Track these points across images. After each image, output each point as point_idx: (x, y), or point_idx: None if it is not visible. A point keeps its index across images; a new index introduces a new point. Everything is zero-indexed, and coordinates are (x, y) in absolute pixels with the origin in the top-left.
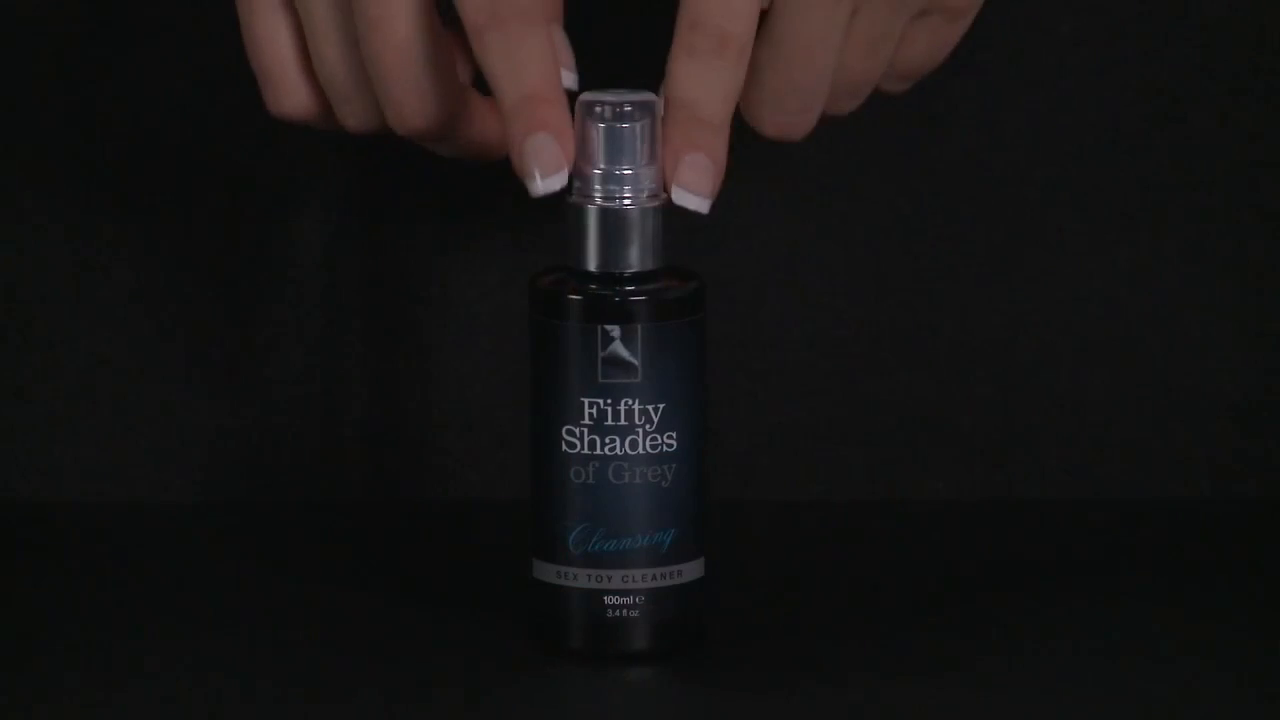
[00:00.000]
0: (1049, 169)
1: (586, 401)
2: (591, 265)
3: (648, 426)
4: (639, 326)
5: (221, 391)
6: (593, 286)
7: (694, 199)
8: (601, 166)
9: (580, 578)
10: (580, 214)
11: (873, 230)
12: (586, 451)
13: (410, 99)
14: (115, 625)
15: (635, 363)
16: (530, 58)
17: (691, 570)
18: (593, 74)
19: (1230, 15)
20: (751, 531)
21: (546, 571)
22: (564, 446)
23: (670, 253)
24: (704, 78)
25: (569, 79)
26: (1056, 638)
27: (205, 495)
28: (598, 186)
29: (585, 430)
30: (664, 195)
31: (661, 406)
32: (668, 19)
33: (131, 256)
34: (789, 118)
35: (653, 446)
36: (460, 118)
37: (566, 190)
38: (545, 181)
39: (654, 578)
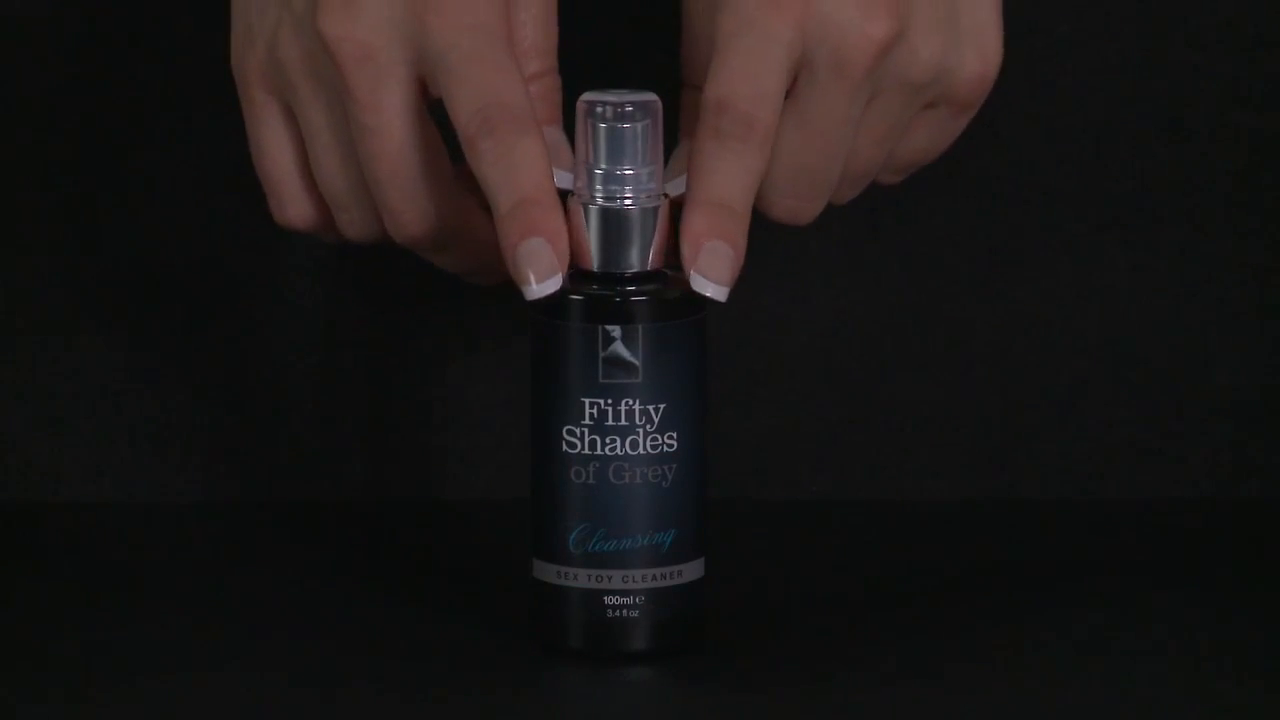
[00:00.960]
0: (1049, 169)
1: (587, 401)
2: (592, 265)
3: (648, 427)
4: (640, 327)
5: (221, 392)
6: (593, 287)
7: (713, 287)
8: (602, 167)
9: (580, 578)
10: (580, 214)
11: (873, 230)
12: (587, 451)
13: (407, 207)
14: (115, 625)
15: (636, 363)
16: (523, 163)
17: (691, 570)
18: (593, 74)
19: (1230, 15)
20: (751, 531)
21: (546, 571)
22: (564, 446)
23: (671, 253)
24: (729, 163)
25: (564, 179)
26: (1056, 638)
27: (205, 495)
28: (598, 187)
29: (586, 430)
30: (666, 197)
31: (662, 407)
32: (667, 19)
33: (132, 256)
34: (799, 203)
35: (653, 447)
36: (458, 227)
37: (568, 191)
38: (540, 286)
39: (654, 578)
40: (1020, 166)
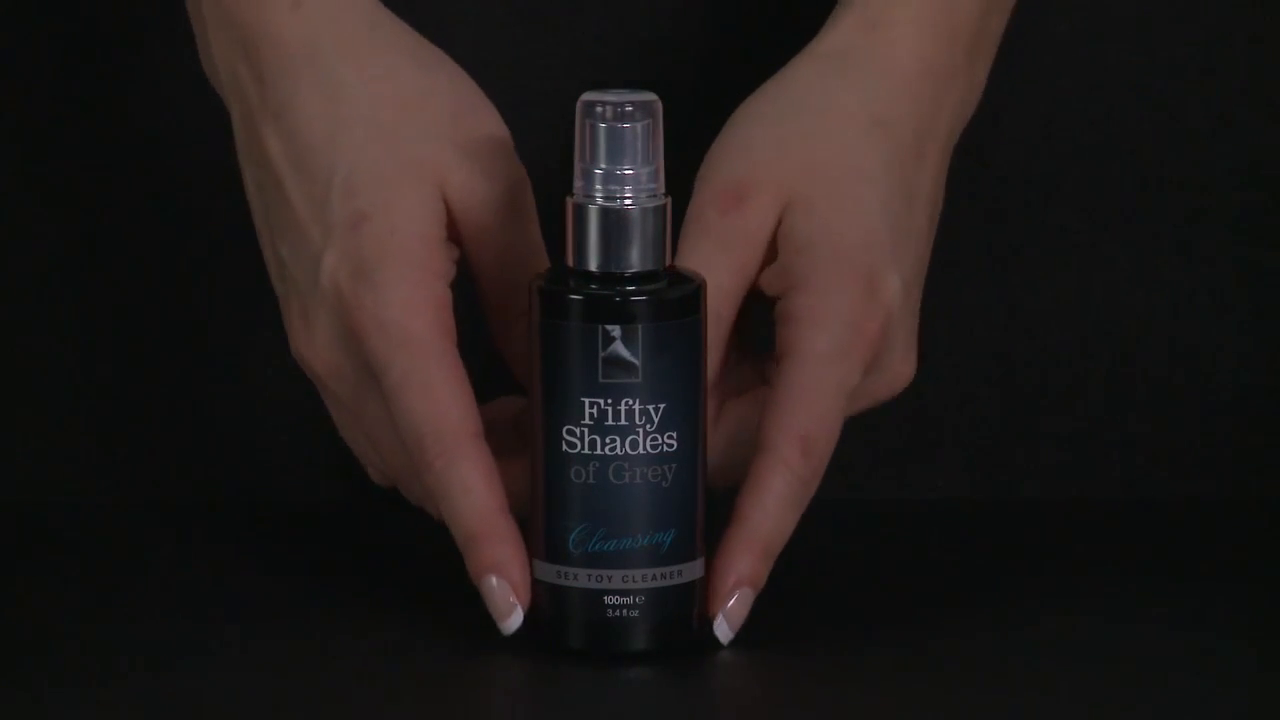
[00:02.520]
0: (1049, 169)
1: (587, 401)
2: (592, 265)
3: (648, 426)
4: (639, 326)
5: (221, 392)
6: (593, 286)
7: (728, 633)
8: (602, 166)
9: (580, 578)
10: (581, 214)
11: None
12: (587, 451)
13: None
14: (115, 625)
15: (636, 363)
16: (459, 496)
17: (691, 570)
18: (593, 74)
19: (1230, 15)
20: None
21: (546, 571)
22: (564, 446)
23: (671, 252)
24: (792, 509)
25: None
26: (1056, 637)
27: (204, 495)
28: (598, 186)
29: (586, 430)
30: (665, 198)
31: (662, 406)
32: (668, 20)
33: (131, 256)
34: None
35: (653, 446)
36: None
37: (568, 193)
38: (506, 625)
39: (654, 578)
40: (1020, 166)
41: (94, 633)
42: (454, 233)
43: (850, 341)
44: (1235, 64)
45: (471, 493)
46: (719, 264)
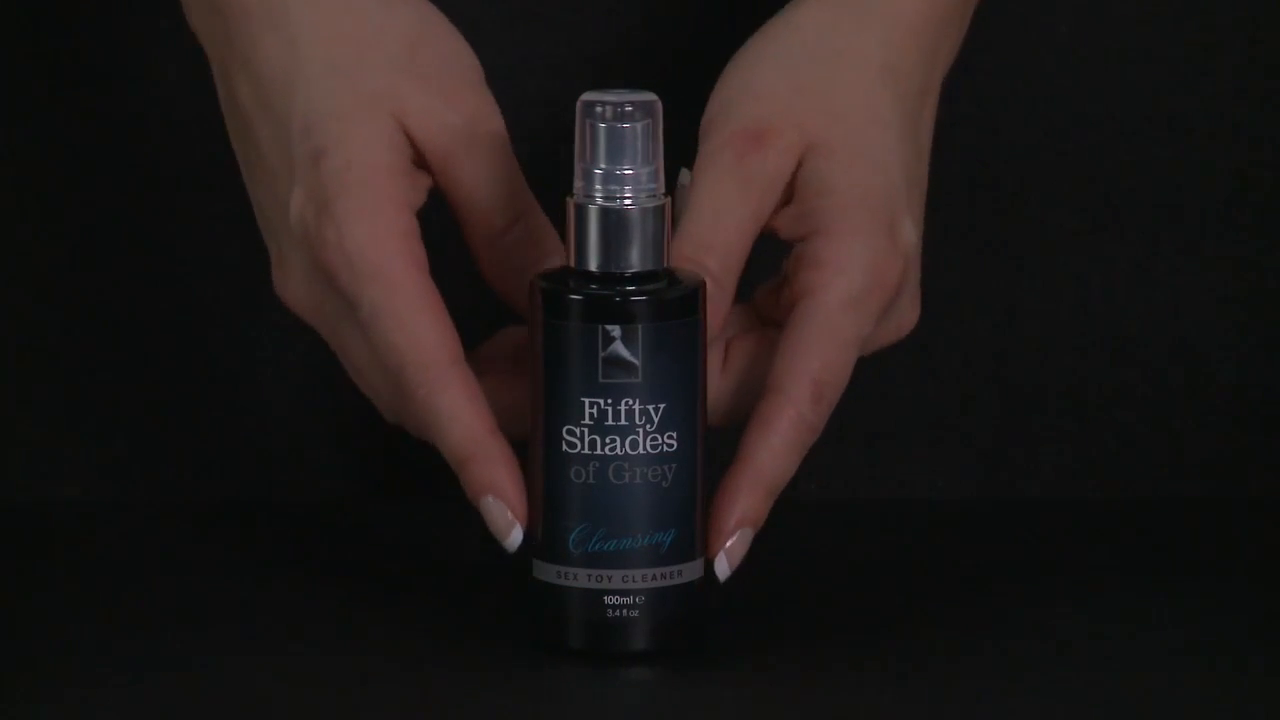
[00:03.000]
0: (1049, 169)
1: (587, 401)
2: (592, 265)
3: (648, 426)
4: (639, 326)
5: (221, 392)
6: (593, 286)
7: (727, 570)
8: (602, 166)
9: (580, 578)
10: (581, 214)
11: None
12: (587, 451)
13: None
14: (115, 625)
15: (636, 363)
16: (447, 422)
17: (691, 570)
18: (593, 74)
19: (1230, 15)
20: None
21: (546, 571)
22: (564, 446)
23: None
24: (796, 453)
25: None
26: (1056, 638)
27: (205, 495)
28: (598, 186)
29: (585, 430)
30: (665, 198)
31: (662, 406)
32: (668, 20)
33: (131, 256)
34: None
35: (653, 446)
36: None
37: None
38: (507, 543)
39: (654, 578)
40: (1020, 166)
41: (94, 633)
42: (421, 161)
43: (871, 287)
44: (1235, 64)
45: (458, 418)
46: (737, 205)
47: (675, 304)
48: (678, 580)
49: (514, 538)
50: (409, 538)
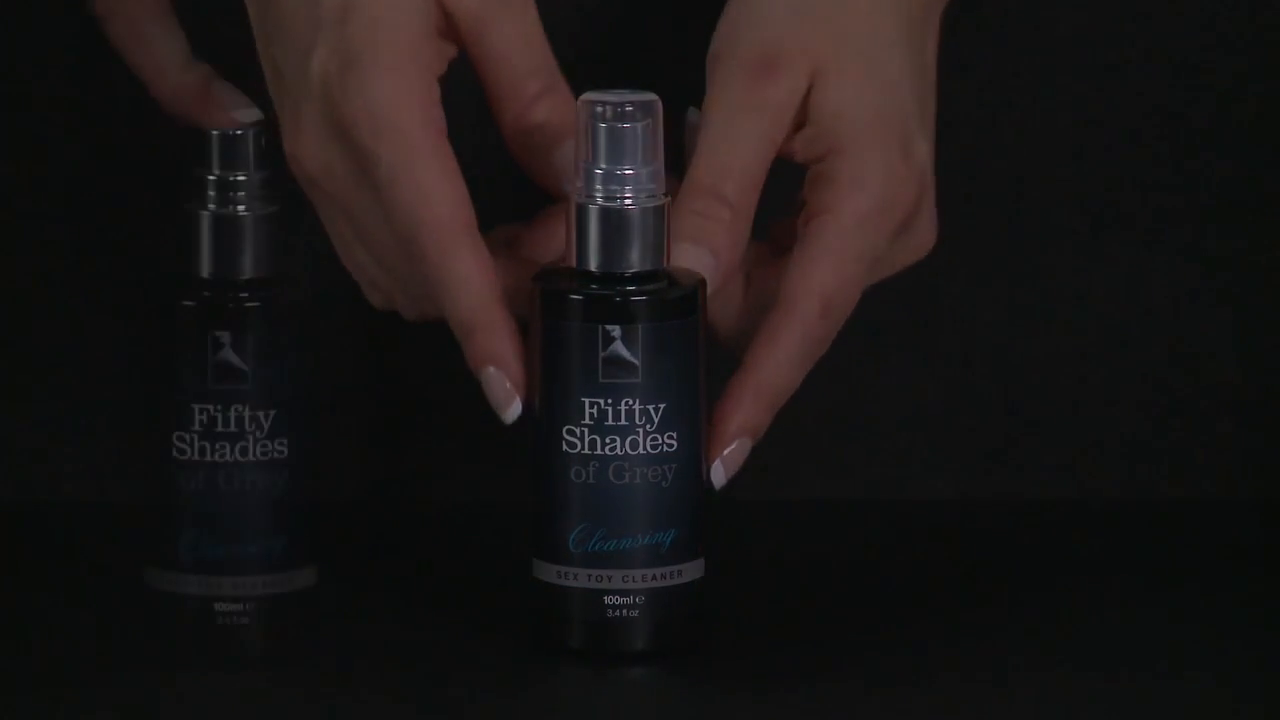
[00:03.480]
0: (1049, 169)
1: (587, 401)
2: (592, 265)
3: (648, 426)
4: (639, 327)
5: None
6: (593, 286)
7: (723, 478)
8: (602, 166)
9: (580, 578)
10: (581, 214)
11: None
12: (587, 451)
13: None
14: (115, 625)
15: (636, 363)
16: (455, 289)
17: (691, 570)
18: (594, 74)
19: (1230, 15)
20: (751, 531)
21: (546, 571)
22: (564, 446)
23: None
24: (802, 365)
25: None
26: (1056, 638)
27: None
28: (599, 186)
29: (586, 430)
30: (665, 198)
31: (662, 406)
32: (668, 20)
33: (131, 257)
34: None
35: (653, 446)
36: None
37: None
38: (507, 415)
39: (654, 578)
40: (1020, 166)
41: (94, 633)
42: (448, 32)
43: (887, 203)
44: (1234, 65)
45: (468, 284)
46: (751, 133)
47: (675, 304)
48: (678, 580)
49: (513, 410)
50: (409, 538)
